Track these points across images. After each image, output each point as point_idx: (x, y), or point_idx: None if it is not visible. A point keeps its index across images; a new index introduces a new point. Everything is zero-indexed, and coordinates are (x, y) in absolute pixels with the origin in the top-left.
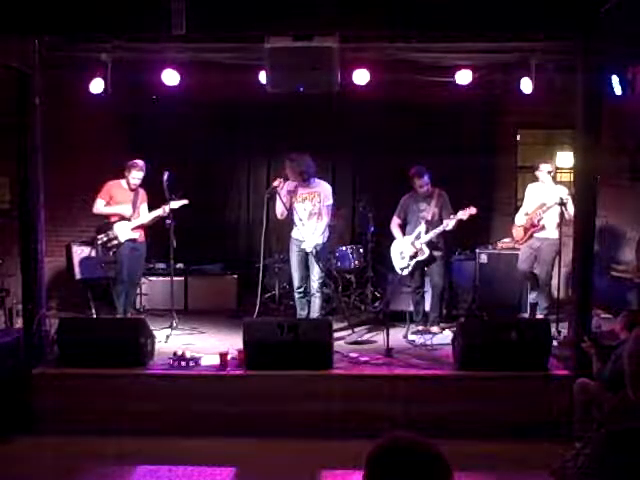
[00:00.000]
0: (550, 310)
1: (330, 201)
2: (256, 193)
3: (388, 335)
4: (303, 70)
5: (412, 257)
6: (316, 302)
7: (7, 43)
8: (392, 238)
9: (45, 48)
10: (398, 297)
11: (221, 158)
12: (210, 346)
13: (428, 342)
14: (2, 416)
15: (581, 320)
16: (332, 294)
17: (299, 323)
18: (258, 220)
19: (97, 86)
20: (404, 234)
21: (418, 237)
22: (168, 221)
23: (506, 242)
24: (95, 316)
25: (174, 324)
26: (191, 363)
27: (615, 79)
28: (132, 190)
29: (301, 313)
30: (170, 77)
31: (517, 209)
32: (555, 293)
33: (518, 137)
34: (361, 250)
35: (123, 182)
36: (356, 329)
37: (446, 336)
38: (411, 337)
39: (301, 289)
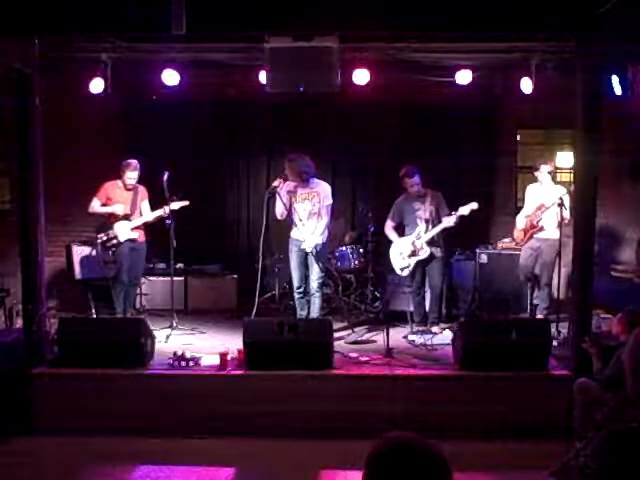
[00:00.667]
0: (550, 310)
1: (330, 201)
2: (256, 193)
3: (388, 335)
4: (303, 70)
5: (411, 256)
6: (316, 302)
7: (7, 43)
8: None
9: (45, 48)
10: (398, 297)
11: (221, 158)
12: (210, 346)
13: (428, 342)
14: (2, 416)
15: (581, 320)
16: (332, 294)
17: (299, 323)
18: (258, 220)
19: (97, 86)
20: (402, 236)
21: (419, 237)
22: (168, 221)
23: (506, 242)
24: (95, 316)
25: (174, 324)
26: (191, 363)
27: (615, 79)
28: (129, 190)
29: (301, 313)
30: (170, 77)
31: (517, 209)
32: (555, 293)
33: (518, 137)
34: (361, 250)
35: (120, 182)
36: (356, 329)
37: (446, 336)
38: (411, 337)
39: (301, 289)
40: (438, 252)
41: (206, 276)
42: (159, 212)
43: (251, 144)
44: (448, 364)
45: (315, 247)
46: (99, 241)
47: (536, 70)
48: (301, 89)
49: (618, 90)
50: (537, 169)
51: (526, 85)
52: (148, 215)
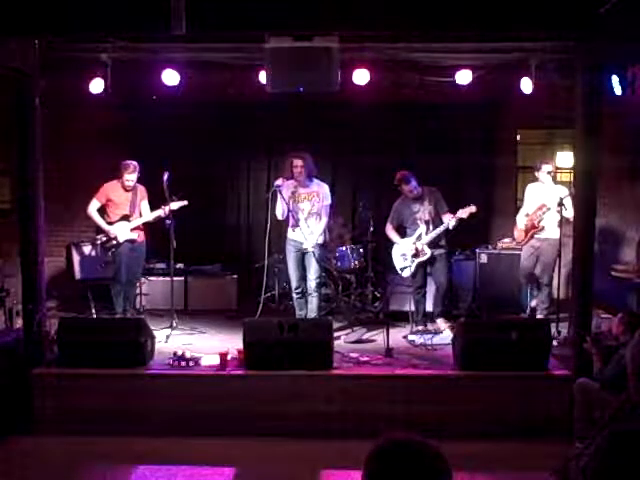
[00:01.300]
0: (550, 310)
1: (329, 201)
2: (256, 193)
3: (388, 335)
4: (303, 70)
5: (414, 257)
6: (313, 302)
7: (7, 44)
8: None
9: (45, 48)
10: (398, 297)
11: (221, 158)
12: (210, 346)
13: (428, 342)
14: (2, 416)
15: (581, 320)
16: (332, 294)
17: (299, 323)
18: (258, 220)
19: (97, 86)
20: (403, 236)
21: (419, 238)
22: (168, 221)
23: (506, 242)
24: (95, 316)
25: (174, 324)
26: (191, 363)
27: (615, 79)
28: (128, 190)
29: (300, 313)
30: (170, 77)
31: (517, 209)
32: (555, 293)
33: (518, 137)
34: (361, 250)
35: (119, 183)
36: (356, 329)
37: (446, 336)
38: (411, 337)
39: (299, 289)
40: (439, 252)
41: (206, 276)
42: (159, 212)
43: (251, 144)
44: (448, 364)
45: (315, 247)
46: (98, 242)
47: (536, 70)
48: (301, 89)
49: (618, 90)
50: (538, 169)
51: (526, 85)
52: (147, 215)
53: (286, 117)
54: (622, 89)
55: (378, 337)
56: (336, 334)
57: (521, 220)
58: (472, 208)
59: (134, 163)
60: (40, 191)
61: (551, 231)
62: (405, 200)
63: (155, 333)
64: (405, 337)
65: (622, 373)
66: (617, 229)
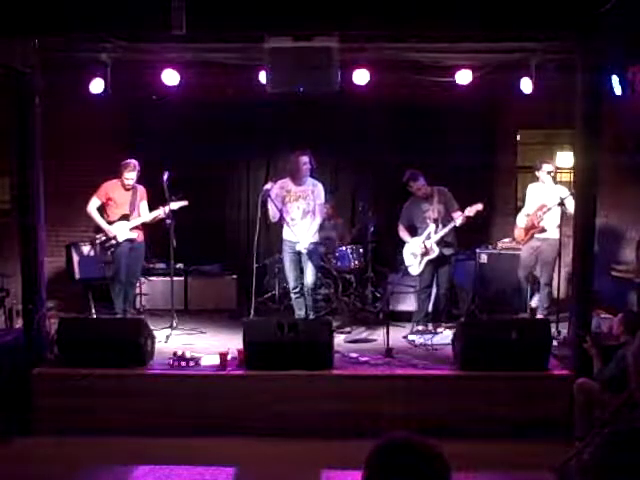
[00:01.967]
0: (550, 310)
1: (322, 200)
2: (256, 193)
3: (388, 335)
4: (303, 70)
5: (423, 255)
6: (310, 301)
7: (7, 43)
8: (393, 237)
9: (45, 48)
10: (398, 297)
11: (221, 158)
12: (210, 346)
13: (428, 342)
14: (2, 416)
15: (581, 320)
16: (332, 294)
17: (299, 323)
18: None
19: (97, 86)
20: (414, 236)
21: (429, 237)
22: (168, 221)
23: (506, 242)
24: (95, 316)
25: (174, 324)
26: (191, 363)
27: (615, 79)
28: (128, 190)
29: (299, 313)
30: (170, 77)
31: (517, 209)
32: (555, 293)
33: (518, 137)
34: (361, 250)
35: (119, 182)
36: (355, 328)
37: (446, 336)
38: (411, 337)
39: (297, 289)
40: (448, 251)
41: (206, 276)
42: (158, 212)
43: (251, 144)
44: (448, 364)
45: (309, 246)
46: (97, 241)
47: (536, 70)
48: (301, 89)
49: (618, 90)
50: (538, 169)
51: (526, 85)
52: (147, 215)
53: (286, 117)
54: (622, 89)
55: (378, 337)
56: (336, 334)
57: (521, 220)
58: (479, 206)
59: (134, 162)
60: (40, 191)
61: (551, 231)
62: (414, 200)
63: (155, 333)
64: (405, 337)
65: (622, 373)
66: (617, 229)
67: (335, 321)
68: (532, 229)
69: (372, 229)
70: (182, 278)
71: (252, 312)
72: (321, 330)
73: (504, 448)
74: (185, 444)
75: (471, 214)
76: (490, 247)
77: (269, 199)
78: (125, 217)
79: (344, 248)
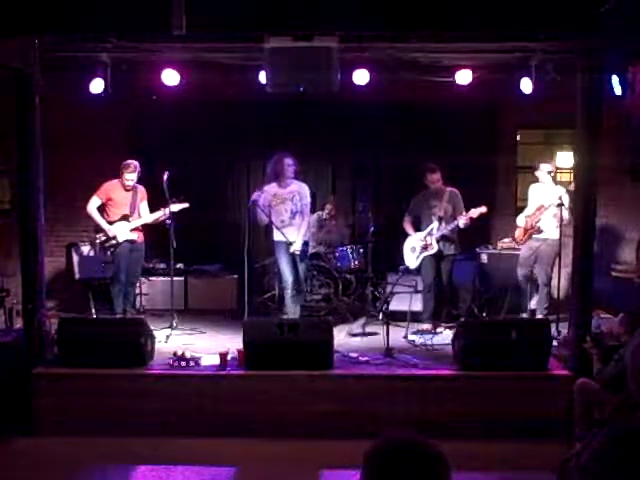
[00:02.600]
0: (550, 310)
1: (308, 199)
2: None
3: (388, 335)
4: (303, 70)
5: (422, 250)
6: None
7: (7, 43)
8: (393, 237)
9: (45, 48)
10: (398, 297)
11: (221, 158)
12: (210, 346)
13: (428, 342)
14: (2, 416)
15: (581, 320)
16: (332, 294)
17: (299, 323)
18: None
19: (97, 86)
20: (418, 231)
21: (431, 233)
22: (168, 221)
23: (506, 242)
24: (95, 316)
25: (174, 324)
26: (191, 363)
27: (615, 79)
28: (128, 190)
29: (295, 310)
30: (170, 77)
31: (517, 209)
32: (555, 293)
33: (518, 137)
34: (361, 250)
35: (119, 182)
36: (354, 321)
37: (446, 336)
38: (411, 337)
39: (294, 287)
40: (449, 250)
41: (206, 276)
42: (159, 214)
43: (251, 144)
44: (448, 364)
45: (302, 247)
46: (97, 241)
47: (536, 70)
48: (301, 89)
49: (618, 90)
50: (537, 169)
51: (526, 85)
52: (147, 216)
53: (286, 117)
54: (622, 89)
55: (378, 337)
56: (336, 334)
57: (521, 220)
58: (483, 209)
59: (134, 162)
60: (40, 191)
61: (549, 232)
62: (425, 195)
63: (155, 333)
64: (405, 337)
65: (622, 373)
66: (617, 229)
67: (338, 322)
68: (530, 229)
69: (372, 229)
70: (182, 278)
71: (246, 312)
72: (321, 330)
73: (504, 448)
74: (185, 444)
75: (474, 216)
76: (490, 247)
77: (257, 208)
78: (125, 217)
79: (344, 248)
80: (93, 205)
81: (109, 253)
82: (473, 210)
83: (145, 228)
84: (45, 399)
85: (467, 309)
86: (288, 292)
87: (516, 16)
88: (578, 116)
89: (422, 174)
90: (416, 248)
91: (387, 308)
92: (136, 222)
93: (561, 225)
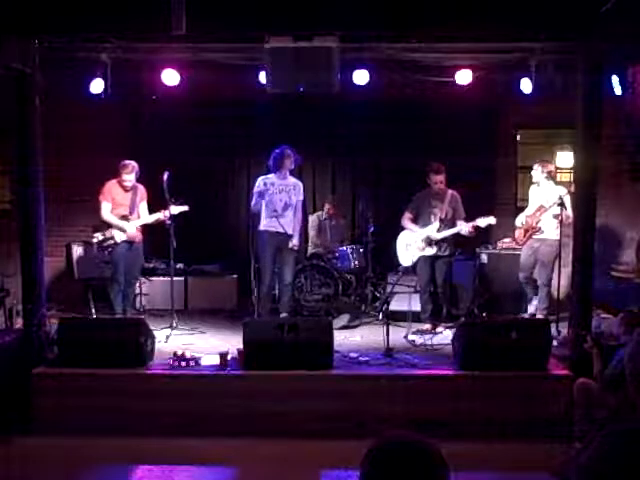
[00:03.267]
0: (550, 310)
1: (301, 197)
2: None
3: (388, 335)
4: (303, 70)
5: (418, 250)
6: (289, 296)
7: (7, 43)
8: (393, 237)
9: (45, 48)
10: (398, 297)
11: (221, 158)
12: (210, 346)
13: (428, 342)
14: (2, 416)
15: (581, 320)
16: (332, 294)
17: (299, 323)
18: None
19: (97, 86)
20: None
21: (429, 234)
22: (168, 221)
23: (506, 242)
24: (95, 316)
25: (174, 324)
26: (191, 363)
27: (615, 79)
28: (127, 191)
29: (266, 307)
30: (170, 77)
31: (517, 209)
32: (555, 293)
33: (518, 137)
34: (361, 250)
35: (117, 182)
36: (343, 315)
37: (446, 336)
38: (411, 337)
39: (271, 286)
40: (444, 251)
41: (206, 276)
42: (158, 215)
43: (251, 144)
44: (448, 364)
45: (299, 242)
46: (95, 241)
47: (536, 70)
48: (301, 89)
49: (618, 90)
50: (534, 170)
51: (526, 85)
52: (146, 217)
53: (286, 117)
54: (622, 89)
55: (378, 337)
56: (336, 334)
57: (521, 220)
58: (491, 219)
59: (132, 163)
60: (40, 191)
61: (549, 232)
62: (428, 194)
63: (155, 333)
64: (405, 337)
65: (622, 373)
66: (617, 229)
67: (340, 320)
68: (530, 230)
69: (372, 229)
70: (182, 278)
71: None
72: (321, 330)
73: (504, 448)
74: (185, 444)
75: (482, 225)
76: (490, 247)
77: (255, 195)
78: (124, 218)
79: (344, 248)
80: (106, 211)
81: (107, 253)
82: (481, 219)
83: (144, 228)
84: (45, 399)
85: (467, 309)
86: (263, 288)
87: (516, 16)
88: (578, 116)
89: (426, 173)
90: (411, 245)
91: (387, 308)
92: (135, 222)
93: (561, 225)
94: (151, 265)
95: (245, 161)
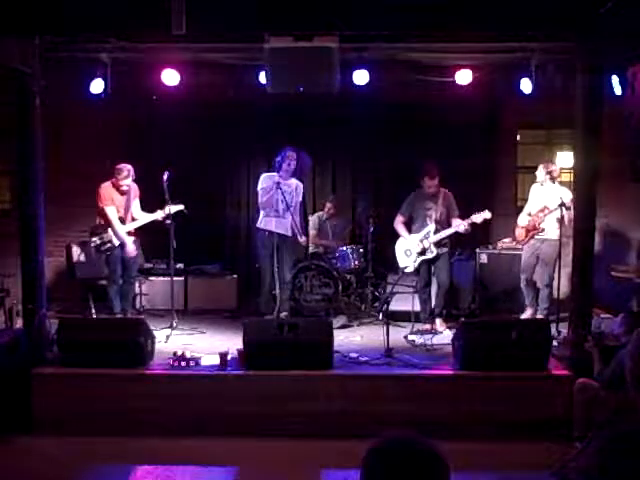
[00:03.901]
0: (550, 310)
1: (300, 198)
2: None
3: (388, 335)
4: (303, 70)
5: (419, 255)
6: (287, 294)
7: (7, 43)
8: (393, 237)
9: (45, 48)
10: (398, 297)
11: (221, 158)
12: (210, 346)
13: (428, 342)
14: (2, 416)
15: (581, 320)
16: (332, 294)
17: (299, 323)
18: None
19: (97, 86)
20: (410, 232)
21: (427, 236)
22: (168, 221)
23: (506, 242)
24: (95, 316)
25: (174, 324)
26: (191, 363)
27: (615, 79)
28: (124, 194)
29: (272, 306)
30: (170, 77)
31: (517, 209)
32: (555, 293)
33: (518, 137)
34: (361, 250)
35: (111, 184)
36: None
37: (446, 336)
38: (411, 337)
39: (272, 285)
40: (443, 251)
41: (206, 276)
42: (154, 216)
43: (251, 144)
44: (448, 364)
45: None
46: (92, 244)
47: (536, 70)
48: (301, 89)
49: (618, 90)
50: (537, 170)
51: (526, 85)
52: (142, 219)
53: (286, 117)
54: (622, 89)
55: (378, 337)
56: (336, 333)
57: (523, 219)
58: (486, 214)
59: (127, 167)
60: (40, 191)
61: (551, 232)
62: (419, 195)
63: (155, 333)
64: (405, 337)
65: (622, 373)
66: (617, 229)
67: (338, 320)
68: (532, 230)
69: (372, 229)
70: (182, 278)
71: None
72: (321, 330)
73: (504, 448)
74: (185, 444)
75: (478, 221)
76: (490, 247)
77: (262, 192)
78: (120, 220)
79: (344, 248)
80: (114, 217)
81: (104, 256)
82: (475, 215)
83: (144, 228)
84: (45, 399)
85: (467, 309)
86: (265, 288)
87: (516, 16)
88: (578, 116)
89: (421, 176)
90: (411, 251)
91: (387, 308)
92: (131, 225)
93: (561, 225)
94: (151, 265)
95: (245, 161)
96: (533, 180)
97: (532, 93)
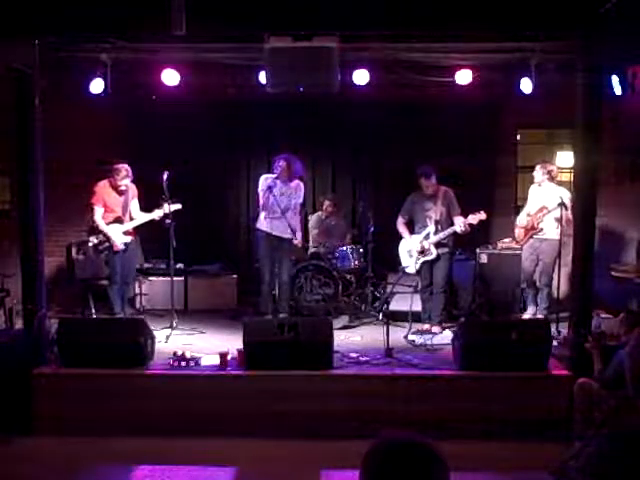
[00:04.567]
0: (550, 310)
1: (301, 199)
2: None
3: (388, 335)
4: (303, 70)
5: (419, 255)
6: (287, 293)
7: (7, 43)
8: (393, 237)
9: (45, 48)
10: (398, 297)
11: (221, 157)
12: (210, 346)
13: (428, 342)
14: (2, 416)
15: (581, 320)
16: (332, 294)
17: (299, 323)
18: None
19: (97, 86)
20: (411, 232)
21: (427, 237)
22: (168, 221)
23: (506, 242)
24: (95, 316)
25: (174, 324)
26: (191, 363)
27: (615, 79)
28: (122, 194)
29: (269, 305)
30: (170, 77)
31: (517, 209)
32: (555, 293)
33: (518, 137)
34: (361, 250)
35: (109, 184)
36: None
37: (446, 336)
38: (411, 337)
39: (271, 284)
40: (443, 251)
41: (206, 276)
42: (152, 216)
43: (251, 144)
44: (448, 364)
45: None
46: (90, 244)
47: (536, 70)
48: (301, 89)
49: (618, 90)
50: (535, 171)
51: (526, 85)
52: (140, 218)
53: (286, 117)
54: (622, 89)
55: (378, 337)
56: (336, 333)
57: (522, 219)
58: (482, 215)
59: (125, 167)
60: (40, 191)
61: (550, 232)
62: (418, 196)
63: (155, 333)
64: (405, 337)
65: (622, 373)
66: (617, 229)
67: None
68: (531, 230)
69: (372, 229)
70: (182, 278)
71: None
72: (321, 330)
73: (504, 448)
74: (185, 444)
75: (474, 222)
76: (490, 247)
77: (262, 193)
78: (118, 220)
79: (344, 248)
80: (99, 216)
81: (102, 256)
82: (472, 216)
83: (144, 227)
84: (45, 399)
85: (467, 309)
86: (264, 288)
87: (516, 16)
88: (578, 116)
89: (417, 178)
90: (412, 251)
91: (387, 308)
92: (129, 224)
93: (561, 225)
94: (151, 265)
95: (245, 161)
96: (532, 180)
97: (532, 93)
